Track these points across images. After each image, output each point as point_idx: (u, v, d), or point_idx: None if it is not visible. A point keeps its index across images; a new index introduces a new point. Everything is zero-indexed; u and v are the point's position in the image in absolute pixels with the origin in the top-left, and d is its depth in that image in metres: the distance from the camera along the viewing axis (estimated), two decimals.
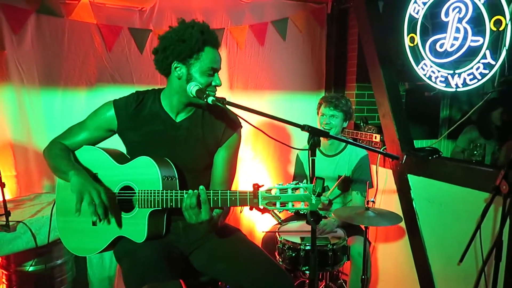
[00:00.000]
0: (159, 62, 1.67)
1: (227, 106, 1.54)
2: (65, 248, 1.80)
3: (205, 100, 1.55)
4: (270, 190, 1.46)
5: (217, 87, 1.69)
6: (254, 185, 1.47)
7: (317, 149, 2.75)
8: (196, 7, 3.11)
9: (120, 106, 1.74)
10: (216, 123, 1.77)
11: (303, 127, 1.50)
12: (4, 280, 2.40)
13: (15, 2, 2.60)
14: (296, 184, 1.46)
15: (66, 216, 1.76)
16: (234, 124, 1.80)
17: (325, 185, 1.44)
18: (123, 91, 1.89)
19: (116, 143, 1.86)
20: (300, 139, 2.51)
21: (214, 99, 1.53)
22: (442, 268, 2.72)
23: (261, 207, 1.47)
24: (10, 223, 2.12)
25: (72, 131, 1.80)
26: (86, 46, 2.83)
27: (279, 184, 1.46)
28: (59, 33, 2.75)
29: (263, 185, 1.48)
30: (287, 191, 1.44)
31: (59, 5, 2.72)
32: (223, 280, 1.76)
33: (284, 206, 1.44)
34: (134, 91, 1.83)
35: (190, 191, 1.52)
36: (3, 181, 2.15)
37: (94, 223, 1.70)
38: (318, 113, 2.78)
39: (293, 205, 1.44)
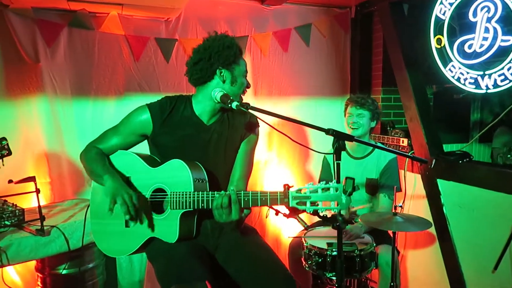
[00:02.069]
0: (203, 70, 1.74)
1: (250, 111, 1.56)
2: (96, 252, 1.86)
3: (229, 105, 1.58)
4: (301, 190, 1.47)
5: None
6: (284, 185, 1.49)
7: (344, 151, 2.76)
8: (220, 16, 3.17)
9: (155, 110, 1.78)
10: (239, 122, 1.88)
11: (327, 131, 1.50)
12: (39, 282, 2.49)
13: (49, 17, 2.73)
14: (326, 183, 1.46)
15: (100, 218, 1.82)
16: (253, 122, 1.91)
17: (355, 184, 1.44)
18: (150, 99, 1.92)
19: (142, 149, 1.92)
20: (326, 143, 2.50)
21: (238, 104, 1.56)
22: (475, 276, 2.62)
23: (291, 206, 1.47)
24: (45, 228, 2.21)
25: (106, 136, 1.86)
26: (115, 57, 2.93)
27: (309, 184, 1.47)
28: (89, 45, 2.86)
29: (293, 186, 1.50)
30: (317, 191, 1.45)
31: (90, 18, 2.83)
32: (237, 281, 1.78)
33: (314, 205, 1.44)
34: (164, 96, 1.87)
35: (222, 192, 1.57)
36: (38, 187, 2.24)
37: (127, 225, 1.75)
38: (345, 115, 2.76)
39: (323, 205, 1.45)
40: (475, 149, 4.18)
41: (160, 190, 1.74)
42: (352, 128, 2.65)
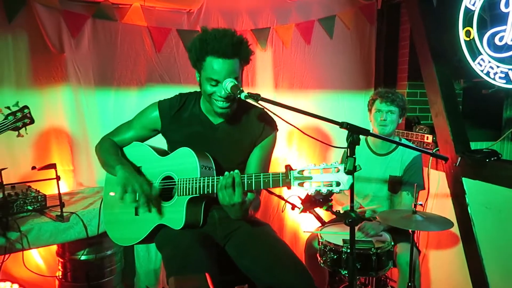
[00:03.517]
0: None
1: (261, 102, 1.53)
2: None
3: (238, 95, 1.56)
4: (302, 171, 1.45)
5: (225, 98, 1.66)
6: (286, 166, 1.48)
7: (367, 147, 2.69)
8: (243, 7, 3.14)
9: (164, 107, 1.84)
10: (254, 123, 1.82)
11: (341, 125, 1.46)
12: (60, 267, 2.57)
13: (74, 8, 2.78)
14: (327, 164, 1.43)
15: (111, 209, 1.88)
16: (271, 126, 1.84)
17: (356, 164, 1.39)
18: (171, 91, 1.98)
19: (159, 142, 1.95)
20: (341, 137, 2.44)
21: (247, 94, 1.54)
22: (500, 280, 2.51)
23: (293, 187, 1.45)
24: (64, 214, 2.27)
25: (120, 130, 1.94)
26: (137, 48, 2.96)
27: (311, 165, 1.45)
28: (112, 36, 2.90)
29: (296, 169, 1.47)
30: (319, 171, 1.42)
31: (113, 10, 2.87)
32: (249, 275, 1.76)
33: (317, 186, 1.42)
34: (178, 93, 1.91)
35: (226, 173, 1.56)
36: (60, 174, 2.30)
37: (136, 213, 1.79)
38: (370, 110, 2.63)
39: (325, 185, 1.41)
40: (506, 148, 3.98)
41: (168, 178, 1.77)
42: (381, 125, 2.53)
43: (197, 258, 1.56)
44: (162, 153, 1.85)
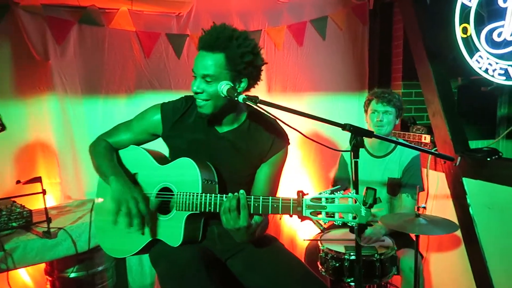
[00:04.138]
0: None
1: (259, 105, 1.44)
2: (106, 254, 1.79)
3: (236, 98, 1.46)
4: (316, 199, 1.35)
5: (196, 94, 1.57)
6: (298, 192, 1.37)
7: (364, 150, 2.62)
8: (233, 10, 3.07)
9: (167, 111, 1.71)
10: (263, 137, 1.68)
11: (344, 127, 1.38)
12: (48, 285, 2.45)
13: (59, 14, 2.68)
14: (344, 193, 1.34)
15: (104, 215, 1.74)
16: (281, 141, 1.70)
17: (377, 196, 1.30)
18: (161, 97, 1.87)
19: (159, 146, 1.84)
20: (344, 141, 2.37)
21: (245, 97, 1.44)
22: (506, 282, 2.45)
23: (305, 216, 1.36)
24: (51, 230, 2.16)
25: (118, 130, 1.80)
26: (125, 54, 2.86)
27: (326, 192, 1.34)
28: (99, 42, 2.80)
29: (307, 194, 1.37)
30: (334, 200, 1.32)
31: (100, 15, 2.77)
32: None
33: (330, 217, 1.33)
34: (183, 96, 1.78)
35: (230, 194, 1.46)
36: (45, 188, 2.19)
37: (130, 226, 1.67)
38: (366, 111, 2.58)
39: (339, 218, 1.32)
40: (502, 146, 3.96)
41: (166, 189, 1.65)
42: (377, 126, 2.47)
43: (195, 277, 1.45)
44: (160, 160, 1.72)
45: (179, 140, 1.69)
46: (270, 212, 1.43)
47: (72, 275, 2.35)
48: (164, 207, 1.66)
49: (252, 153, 1.68)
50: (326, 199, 1.33)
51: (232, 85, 1.52)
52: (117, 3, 2.75)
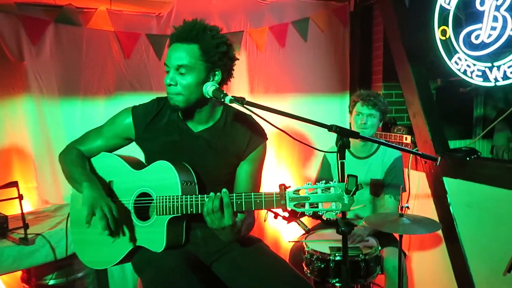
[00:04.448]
0: None
1: (246, 106, 1.42)
2: None
3: (223, 99, 1.44)
4: (299, 190, 1.34)
5: (169, 86, 1.53)
6: (280, 185, 1.37)
7: (347, 151, 2.63)
8: (214, 11, 3.04)
9: (139, 114, 1.66)
10: (240, 134, 1.65)
11: (330, 128, 1.38)
12: None
13: (34, 13, 2.60)
14: (326, 183, 1.33)
15: (81, 227, 1.68)
16: (258, 137, 1.68)
17: (358, 183, 1.31)
18: (142, 99, 1.80)
19: (134, 151, 1.78)
20: (325, 142, 2.37)
21: (232, 98, 1.42)
22: (485, 280, 2.51)
23: (289, 209, 1.36)
24: (29, 236, 2.08)
25: (88, 137, 1.74)
26: (104, 54, 2.80)
27: (308, 184, 1.34)
28: (77, 42, 2.73)
29: (289, 186, 1.37)
30: (317, 191, 1.32)
31: (77, 14, 2.70)
32: None
33: (314, 207, 1.32)
34: (154, 98, 1.74)
35: (212, 194, 1.43)
36: (22, 193, 2.11)
37: (110, 234, 1.62)
38: (351, 112, 2.59)
39: (323, 206, 1.32)
40: (479, 145, 4.07)
41: (145, 195, 1.60)
42: (361, 128, 2.49)
43: (181, 282, 1.42)
44: (136, 165, 1.67)
45: (153, 143, 1.65)
46: (253, 208, 1.41)
47: (51, 282, 2.27)
48: (144, 213, 1.61)
49: (229, 151, 1.65)
50: (309, 190, 1.33)
51: (217, 86, 1.49)
52: (95, 3, 2.69)
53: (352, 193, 1.28)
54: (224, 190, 1.42)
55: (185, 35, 1.49)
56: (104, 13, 2.75)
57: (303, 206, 1.34)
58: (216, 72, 1.56)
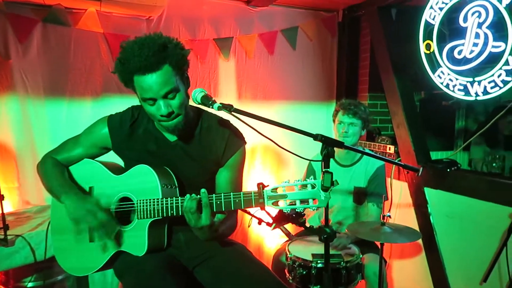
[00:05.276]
0: None
1: (234, 113, 1.44)
2: None
3: (211, 106, 1.45)
4: (276, 189, 1.36)
5: (167, 115, 1.46)
6: (258, 184, 1.38)
7: (332, 159, 2.67)
8: (204, 16, 3.06)
9: (114, 123, 1.64)
10: (216, 141, 1.63)
11: (315, 137, 1.40)
12: None
13: (22, 11, 2.57)
14: (303, 180, 1.35)
15: (62, 234, 1.68)
16: (236, 142, 1.65)
17: (334, 179, 1.34)
18: (129, 101, 1.79)
19: (115, 157, 1.77)
20: (312, 150, 2.40)
21: (220, 105, 1.43)
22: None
23: (267, 207, 1.37)
24: (9, 237, 2.04)
25: (66, 146, 1.72)
26: (92, 56, 2.78)
27: (286, 182, 1.36)
28: (65, 42, 2.70)
29: (268, 185, 1.38)
30: (294, 188, 1.34)
31: (66, 14, 2.68)
32: None
33: (292, 204, 1.34)
34: (130, 106, 1.72)
35: (193, 195, 1.43)
36: (3, 193, 2.07)
37: (91, 239, 1.61)
38: (334, 121, 2.64)
39: (301, 204, 1.34)
40: (460, 157, 4.16)
41: (126, 199, 1.60)
42: (342, 137, 2.53)
43: (163, 284, 1.42)
44: (116, 170, 1.66)
45: (131, 152, 1.64)
46: (233, 208, 1.42)
47: (30, 284, 2.23)
48: (125, 217, 1.61)
49: (207, 158, 1.64)
50: (286, 187, 1.34)
51: (205, 92, 1.50)
52: (85, 4, 2.67)
53: (328, 189, 1.31)
54: (203, 190, 1.42)
55: (149, 64, 1.37)
56: (94, 15, 2.73)
57: (281, 204, 1.35)
58: (186, 74, 1.53)
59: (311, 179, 1.35)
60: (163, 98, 1.43)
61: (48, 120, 2.71)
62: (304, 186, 1.34)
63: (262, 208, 1.38)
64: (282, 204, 1.35)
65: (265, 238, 3.37)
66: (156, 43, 1.40)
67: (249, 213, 2.43)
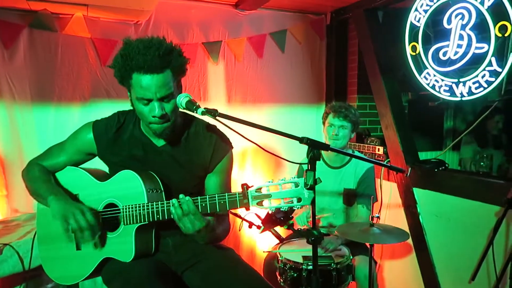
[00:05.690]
0: None
1: (218, 118, 1.44)
2: None
3: (195, 111, 1.45)
4: (260, 188, 1.38)
5: (160, 117, 1.47)
6: (242, 185, 1.39)
7: (322, 160, 2.68)
8: (193, 20, 3.06)
9: (100, 129, 1.64)
10: (203, 146, 1.64)
11: (301, 140, 1.41)
12: None
13: (7, 17, 2.55)
14: (286, 179, 1.38)
15: (48, 243, 1.68)
16: (223, 147, 1.66)
17: (317, 177, 1.36)
18: (118, 107, 1.80)
19: (100, 163, 1.77)
20: (302, 152, 2.41)
21: (204, 110, 1.43)
22: (452, 287, 2.58)
23: (252, 207, 1.39)
24: None
25: (51, 153, 1.72)
26: (80, 61, 2.77)
27: (269, 181, 1.38)
28: (52, 47, 2.69)
29: (252, 186, 1.40)
30: (277, 188, 1.36)
31: (53, 19, 2.67)
32: None
33: (277, 204, 1.36)
34: (116, 111, 1.72)
35: (174, 200, 1.43)
36: None
37: (78, 247, 1.60)
38: (324, 123, 2.65)
39: (285, 202, 1.37)
40: (448, 157, 4.21)
41: (111, 205, 1.59)
42: (333, 139, 2.54)
43: None
44: (101, 177, 1.65)
45: (117, 158, 1.63)
46: (218, 210, 1.43)
47: None
48: (112, 223, 1.60)
49: (194, 163, 1.64)
50: (270, 187, 1.36)
51: (191, 97, 1.51)
52: (71, 9, 2.66)
53: (310, 187, 1.32)
54: (187, 198, 1.43)
55: (154, 65, 1.39)
56: (81, 20, 2.72)
57: (266, 203, 1.37)
58: (180, 82, 1.56)
59: (295, 177, 1.37)
60: (159, 100, 1.45)
61: (36, 126, 2.69)
62: (287, 185, 1.35)
63: (247, 208, 1.40)
64: (267, 204, 1.36)
65: (257, 241, 3.37)
66: (163, 46, 1.43)
67: (239, 216, 2.45)
